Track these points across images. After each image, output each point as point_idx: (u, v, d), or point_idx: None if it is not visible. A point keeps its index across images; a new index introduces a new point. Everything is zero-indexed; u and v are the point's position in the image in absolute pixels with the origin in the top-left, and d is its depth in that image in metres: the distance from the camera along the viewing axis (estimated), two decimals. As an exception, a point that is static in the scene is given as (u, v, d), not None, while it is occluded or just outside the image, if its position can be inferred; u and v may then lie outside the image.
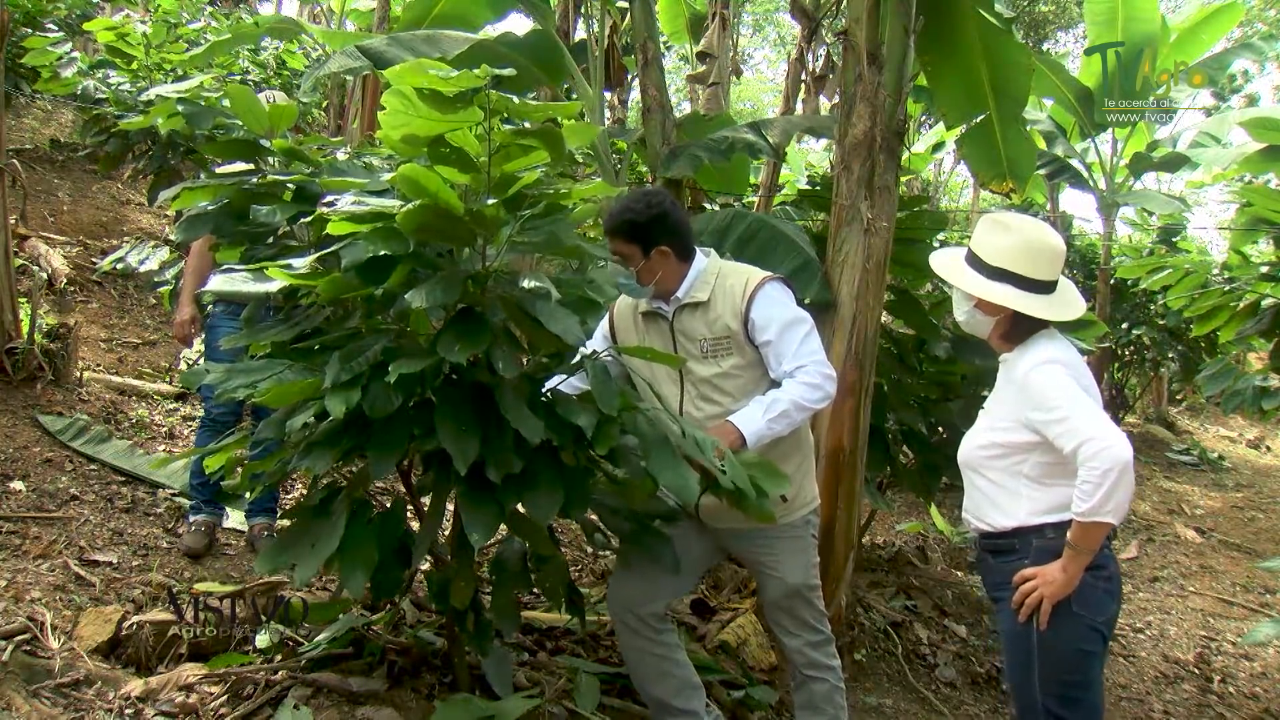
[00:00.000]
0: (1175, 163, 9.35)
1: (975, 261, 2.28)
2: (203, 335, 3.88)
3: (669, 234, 2.51)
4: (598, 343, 2.64)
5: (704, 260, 2.58)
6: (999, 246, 2.24)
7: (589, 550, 4.59)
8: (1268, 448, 11.65)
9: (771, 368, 2.48)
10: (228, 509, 3.91)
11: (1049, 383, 2.12)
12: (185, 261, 4.10)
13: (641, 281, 2.48)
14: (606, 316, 2.70)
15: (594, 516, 2.46)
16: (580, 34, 6.28)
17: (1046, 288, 2.24)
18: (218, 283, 2.19)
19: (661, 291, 2.53)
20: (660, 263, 2.50)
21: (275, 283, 2.10)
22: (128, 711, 2.32)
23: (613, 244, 2.50)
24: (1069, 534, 2.09)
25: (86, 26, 8.25)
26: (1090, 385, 2.17)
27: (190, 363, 5.40)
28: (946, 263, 2.35)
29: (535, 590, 3.60)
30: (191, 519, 3.63)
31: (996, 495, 2.24)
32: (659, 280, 2.50)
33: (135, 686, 2.40)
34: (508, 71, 1.91)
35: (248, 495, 3.45)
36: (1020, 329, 2.26)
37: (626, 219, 2.50)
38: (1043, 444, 2.15)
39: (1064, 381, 2.11)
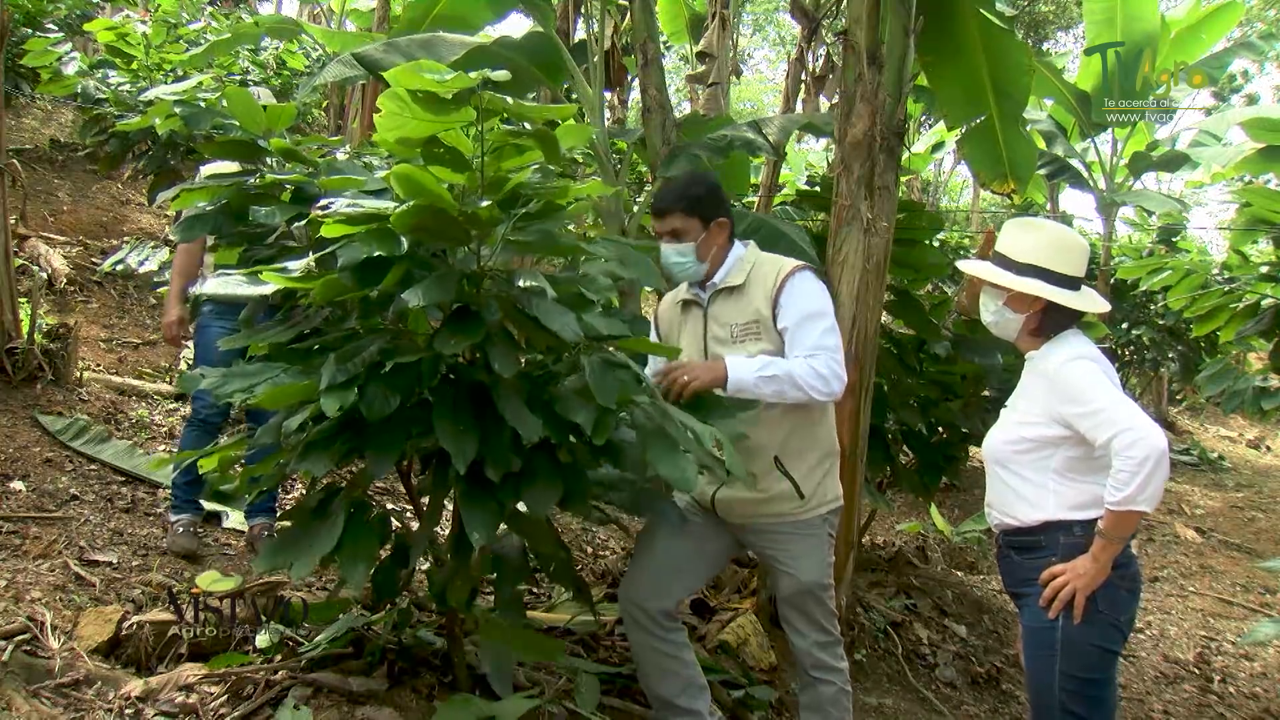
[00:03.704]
0: (1175, 162, 9.36)
1: (1003, 261, 2.33)
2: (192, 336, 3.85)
3: (724, 206, 2.60)
4: (653, 339, 2.72)
5: (743, 248, 2.64)
6: (1026, 244, 2.30)
7: (589, 550, 4.59)
8: (1268, 448, 11.65)
9: (787, 353, 2.49)
10: (228, 510, 3.91)
11: (1081, 377, 2.17)
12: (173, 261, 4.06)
13: (701, 255, 2.55)
14: (654, 317, 2.79)
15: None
16: (580, 34, 6.28)
17: (1074, 284, 2.29)
18: (213, 285, 2.19)
19: (697, 277, 2.59)
20: (717, 235, 2.58)
21: (270, 285, 2.10)
22: (128, 711, 2.32)
23: (670, 222, 2.54)
24: (1101, 522, 2.12)
25: (86, 27, 8.27)
26: (1117, 382, 2.21)
27: (190, 363, 5.41)
28: (974, 264, 2.42)
29: (535, 590, 3.62)
30: (174, 519, 3.61)
31: (1024, 490, 2.26)
32: (712, 257, 2.57)
33: (135, 686, 2.40)
34: (501, 74, 1.91)
35: (247, 498, 3.46)
36: (1049, 325, 2.30)
37: (690, 193, 2.55)
38: (1071, 438, 2.18)
39: (1096, 375, 2.16)
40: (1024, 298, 2.29)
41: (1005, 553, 2.36)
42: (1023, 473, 2.27)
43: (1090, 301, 2.30)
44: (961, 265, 2.47)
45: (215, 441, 3.70)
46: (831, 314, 2.54)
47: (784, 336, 2.49)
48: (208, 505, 3.85)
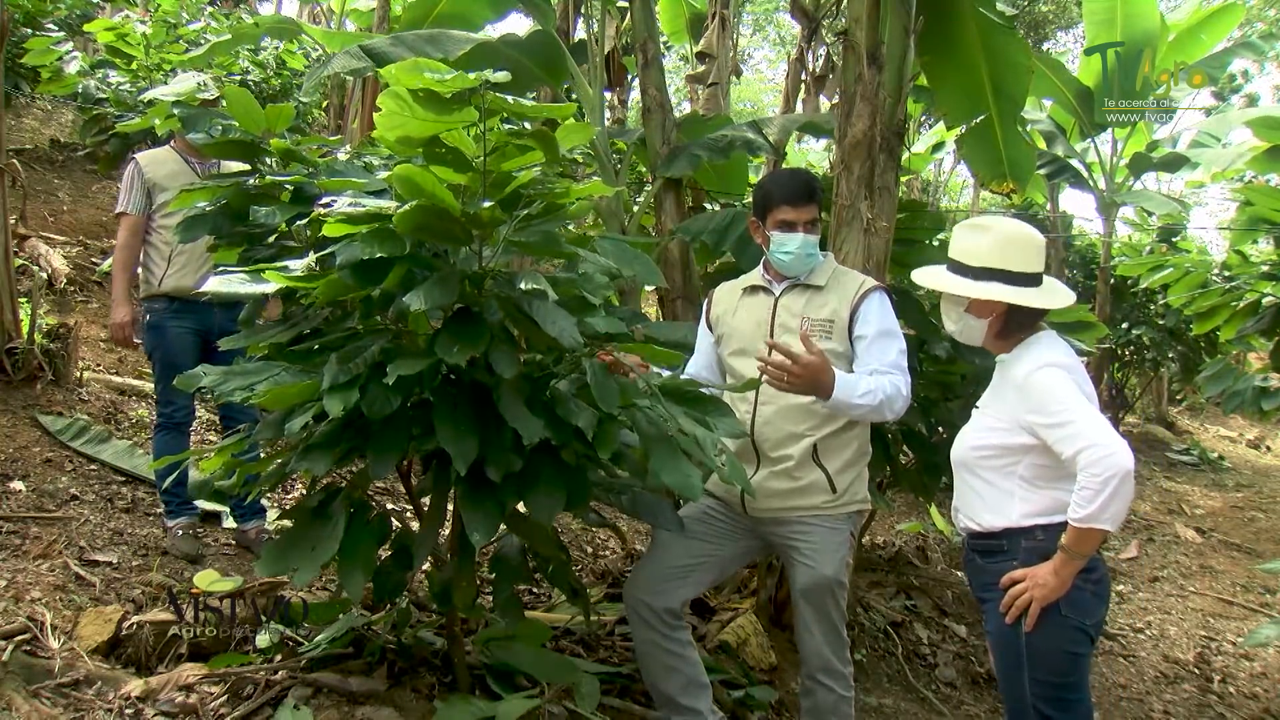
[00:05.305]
0: (1175, 163, 9.35)
1: (959, 268, 2.26)
2: (143, 336, 3.70)
3: None
4: (702, 340, 2.80)
5: (822, 255, 2.70)
6: (979, 247, 2.23)
7: (588, 550, 4.59)
8: (1268, 448, 11.65)
9: (860, 362, 2.53)
10: (228, 509, 3.90)
11: (1050, 386, 2.11)
12: (113, 257, 3.78)
13: (823, 246, 2.66)
14: (705, 308, 2.83)
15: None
16: (580, 34, 6.28)
17: (1034, 280, 2.22)
18: (215, 284, 2.19)
19: (810, 268, 2.64)
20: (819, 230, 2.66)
21: (272, 285, 2.10)
22: (128, 711, 2.32)
23: (809, 210, 2.59)
24: (1063, 537, 2.08)
25: (86, 27, 8.27)
26: (1090, 390, 2.16)
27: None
28: (930, 275, 2.34)
29: (536, 590, 3.62)
30: (170, 524, 3.60)
31: (989, 495, 2.23)
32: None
33: (135, 686, 2.40)
34: (501, 75, 1.91)
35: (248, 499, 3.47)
36: (1014, 326, 2.25)
37: (817, 186, 2.64)
38: (1039, 446, 2.14)
39: (1066, 385, 2.10)
40: (986, 303, 2.22)
41: (970, 556, 2.34)
42: (988, 478, 2.23)
43: (1053, 296, 2.22)
44: (916, 276, 2.40)
45: (188, 442, 3.71)
46: (902, 337, 2.61)
47: (857, 344, 2.56)
48: (205, 505, 3.85)
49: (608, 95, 7.02)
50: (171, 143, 3.80)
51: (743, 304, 2.71)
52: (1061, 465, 2.10)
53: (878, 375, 2.48)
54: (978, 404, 2.37)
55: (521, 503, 2.13)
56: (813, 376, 2.35)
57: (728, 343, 2.70)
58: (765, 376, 2.38)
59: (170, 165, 3.66)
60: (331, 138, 3.76)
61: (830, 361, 2.41)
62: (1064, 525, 2.08)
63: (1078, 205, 48.82)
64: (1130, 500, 2.02)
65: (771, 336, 2.59)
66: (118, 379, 5.21)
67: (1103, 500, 1.97)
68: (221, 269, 2.37)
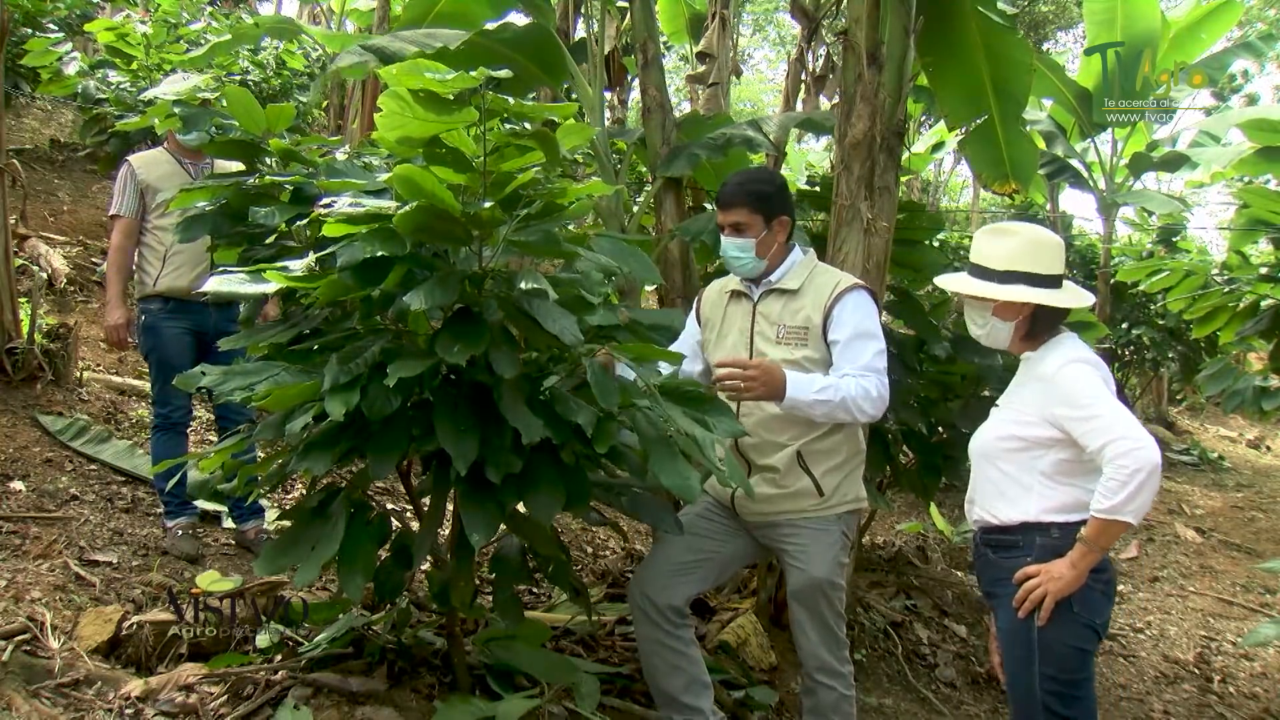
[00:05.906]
0: (1175, 163, 9.34)
1: (982, 272, 2.30)
2: (138, 337, 3.69)
3: (788, 207, 2.61)
4: (690, 326, 2.78)
5: (802, 254, 2.65)
6: (1004, 250, 2.27)
7: (588, 550, 4.59)
8: (1268, 448, 11.65)
9: (836, 366, 2.51)
10: (227, 509, 3.90)
11: (1079, 380, 2.14)
12: (107, 259, 3.79)
13: (760, 252, 2.57)
14: (696, 301, 2.83)
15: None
16: (580, 34, 6.28)
17: (1056, 282, 2.26)
18: (215, 284, 2.19)
19: (754, 274, 2.60)
20: (778, 234, 2.59)
21: (272, 285, 2.10)
22: (128, 711, 2.32)
23: (734, 215, 2.56)
24: (1084, 529, 2.10)
25: (87, 27, 8.27)
26: (1113, 387, 2.19)
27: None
28: (955, 281, 2.38)
29: (536, 590, 3.62)
30: (169, 524, 3.60)
31: (1007, 487, 2.25)
32: (771, 256, 2.59)
33: (135, 686, 2.40)
34: (504, 73, 1.91)
35: (247, 499, 3.47)
36: (1040, 327, 2.28)
37: (755, 189, 2.57)
38: (1063, 441, 2.16)
39: (1094, 380, 2.14)
40: (1011, 305, 2.26)
41: (982, 551, 2.35)
42: (1009, 470, 2.25)
43: (1075, 297, 2.28)
44: (940, 281, 2.43)
45: (186, 443, 3.71)
46: (882, 337, 2.56)
47: (832, 349, 2.52)
48: (204, 505, 3.85)
49: (608, 95, 7.01)
50: (165, 144, 3.80)
51: (728, 311, 2.70)
52: (1084, 463, 2.13)
53: (848, 378, 2.45)
54: (997, 402, 2.39)
55: (521, 503, 2.14)
56: (768, 379, 2.35)
57: (713, 350, 2.69)
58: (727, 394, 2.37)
59: (164, 166, 3.65)
60: (331, 138, 3.75)
61: (779, 364, 2.41)
62: (1079, 525, 2.11)
63: (1078, 205, 48.83)
64: (1154, 495, 2.04)
65: (750, 347, 2.59)
66: (117, 379, 5.21)
67: (1129, 492, 2.00)
68: (221, 269, 2.37)
